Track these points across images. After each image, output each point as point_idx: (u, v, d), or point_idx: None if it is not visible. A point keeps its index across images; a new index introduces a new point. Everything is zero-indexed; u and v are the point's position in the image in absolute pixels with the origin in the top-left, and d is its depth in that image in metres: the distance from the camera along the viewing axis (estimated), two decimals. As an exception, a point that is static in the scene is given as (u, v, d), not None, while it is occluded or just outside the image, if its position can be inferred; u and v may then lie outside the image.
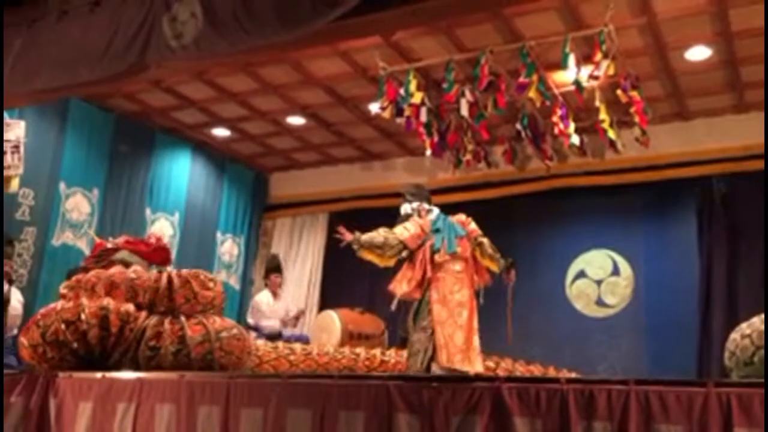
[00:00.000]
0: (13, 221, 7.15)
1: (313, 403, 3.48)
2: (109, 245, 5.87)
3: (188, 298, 4.73)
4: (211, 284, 4.93)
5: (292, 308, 8.77)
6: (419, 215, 6.18)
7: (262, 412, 3.61)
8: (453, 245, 5.96)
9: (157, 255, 5.89)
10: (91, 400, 4.19)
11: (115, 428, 4.04)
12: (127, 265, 5.16)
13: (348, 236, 5.92)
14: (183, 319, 4.61)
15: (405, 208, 6.37)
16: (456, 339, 5.73)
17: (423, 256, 5.92)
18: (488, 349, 6.94)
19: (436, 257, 5.91)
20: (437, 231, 6.00)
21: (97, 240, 6.31)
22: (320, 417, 3.43)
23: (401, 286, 5.90)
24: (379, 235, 5.96)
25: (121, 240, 5.92)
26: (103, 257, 5.69)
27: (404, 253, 5.90)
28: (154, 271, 5.06)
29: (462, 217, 6.25)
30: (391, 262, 6.03)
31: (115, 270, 4.85)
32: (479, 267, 6.10)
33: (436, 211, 6.24)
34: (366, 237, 5.92)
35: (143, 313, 4.59)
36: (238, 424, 3.67)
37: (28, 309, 6.60)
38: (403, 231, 6.00)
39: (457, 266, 5.97)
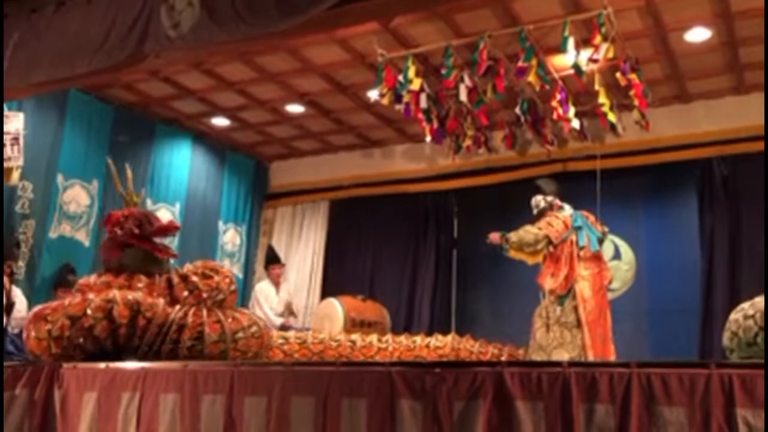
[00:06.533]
0: (13, 214, 7.15)
1: (316, 391, 3.49)
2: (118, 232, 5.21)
3: (190, 290, 4.75)
4: (211, 273, 4.94)
5: (293, 300, 8.83)
6: (551, 208, 6.43)
7: (265, 400, 3.63)
8: (596, 245, 6.20)
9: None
10: (95, 390, 4.20)
11: (120, 418, 4.05)
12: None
13: (497, 238, 6.15)
14: (204, 313, 4.57)
15: (538, 200, 6.60)
16: (599, 338, 5.96)
17: (568, 251, 6.14)
18: (489, 337, 6.97)
19: (581, 253, 6.12)
20: (579, 228, 6.19)
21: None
22: (323, 404, 3.44)
23: (548, 280, 6.11)
24: (527, 233, 6.21)
25: (125, 232, 5.16)
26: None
27: (550, 248, 6.13)
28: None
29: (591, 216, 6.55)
30: (540, 258, 6.26)
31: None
32: (605, 265, 6.34)
33: (567, 207, 6.47)
34: (515, 236, 6.18)
35: (161, 301, 4.54)
36: (242, 412, 3.68)
37: (27, 302, 6.65)
38: (549, 226, 6.20)
39: (594, 265, 6.20)
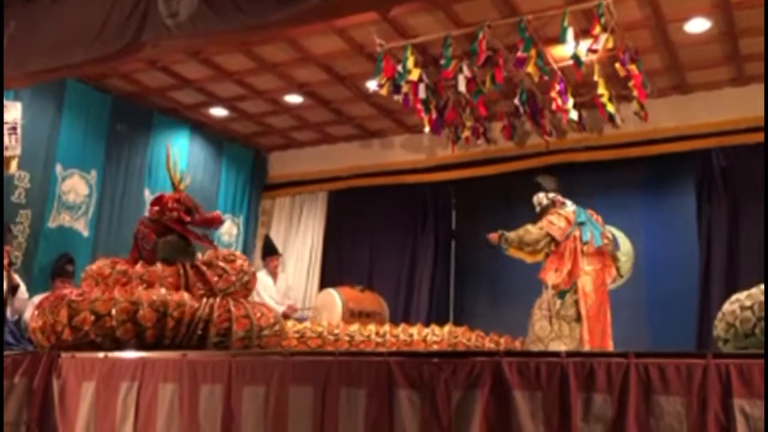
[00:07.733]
0: (9, 204, 7.12)
1: (314, 381, 3.50)
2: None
3: (219, 275, 4.73)
4: (232, 257, 4.95)
5: (291, 289, 8.84)
6: (554, 204, 6.41)
7: (264, 390, 3.63)
8: (599, 240, 6.19)
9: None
10: (94, 379, 4.21)
11: (119, 407, 4.06)
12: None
13: (495, 238, 6.12)
14: (232, 307, 4.54)
15: (540, 198, 6.58)
16: (599, 333, 5.95)
17: (572, 247, 6.13)
18: (487, 328, 6.98)
19: (585, 249, 6.11)
20: (582, 224, 6.18)
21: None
22: (322, 394, 3.45)
23: (551, 275, 6.09)
24: (528, 232, 6.21)
25: (171, 216, 4.99)
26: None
27: (552, 246, 6.11)
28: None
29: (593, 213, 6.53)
30: (541, 257, 6.24)
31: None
32: (608, 261, 6.32)
33: (569, 203, 6.45)
34: (514, 236, 6.17)
35: (186, 296, 4.49)
36: (241, 402, 3.69)
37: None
38: (550, 225, 6.18)
39: (597, 260, 6.18)
